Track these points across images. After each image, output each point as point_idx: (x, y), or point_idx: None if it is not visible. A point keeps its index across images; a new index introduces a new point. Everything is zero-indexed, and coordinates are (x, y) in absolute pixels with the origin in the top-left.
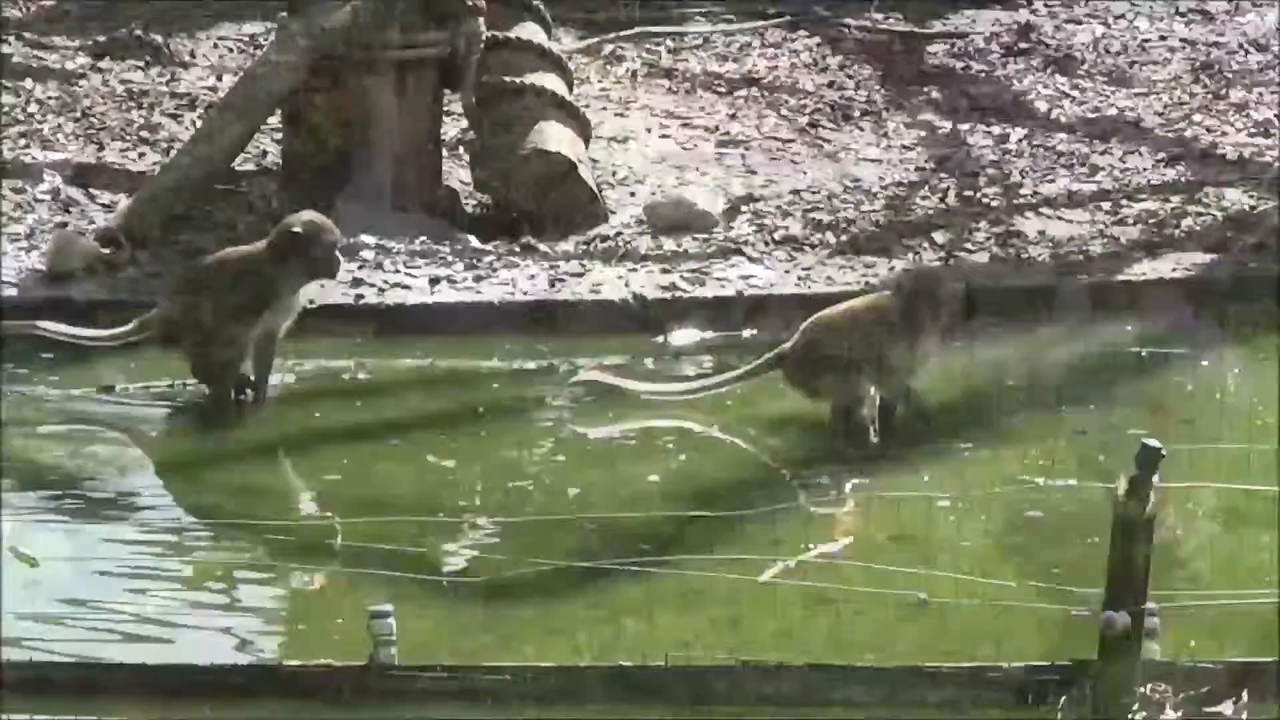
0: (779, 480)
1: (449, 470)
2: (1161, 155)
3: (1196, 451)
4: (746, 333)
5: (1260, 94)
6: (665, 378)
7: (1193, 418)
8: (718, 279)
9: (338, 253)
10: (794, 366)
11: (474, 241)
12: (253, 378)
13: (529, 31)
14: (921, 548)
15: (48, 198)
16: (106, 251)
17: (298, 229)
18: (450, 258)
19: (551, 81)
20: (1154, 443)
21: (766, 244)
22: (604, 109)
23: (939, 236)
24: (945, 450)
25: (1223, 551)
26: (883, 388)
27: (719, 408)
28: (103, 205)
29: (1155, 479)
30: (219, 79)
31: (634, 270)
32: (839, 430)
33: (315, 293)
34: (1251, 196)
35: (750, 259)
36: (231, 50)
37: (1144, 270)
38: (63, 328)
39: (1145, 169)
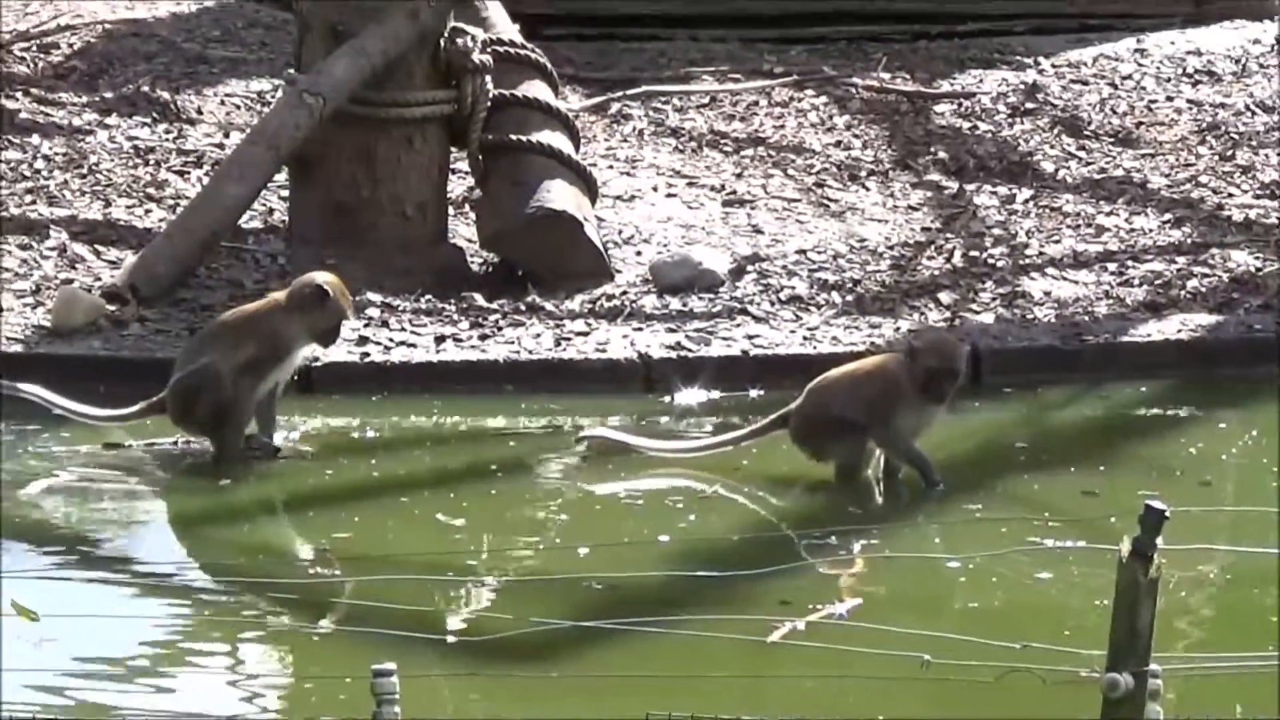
0: (787, 541)
1: (457, 529)
2: (1167, 216)
3: (1213, 513)
4: (753, 392)
5: (1267, 156)
6: (673, 436)
7: (1210, 479)
8: (723, 338)
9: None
10: (799, 428)
11: (479, 300)
12: (259, 434)
13: (536, 90)
14: (929, 609)
15: (54, 253)
16: (112, 308)
17: (324, 286)
18: (456, 316)
19: (558, 140)
20: (1158, 504)
21: (772, 303)
22: (610, 167)
23: (945, 296)
24: (954, 511)
25: (1234, 612)
26: (886, 450)
27: (727, 468)
28: (109, 261)
29: (1159, 541)
30: (226, 136)
31: (640, 329)
32: (843, 490)
33: (321, 350)
34: (1257, 258)
35: (756, 318)
36: (239, 107)
37: (1149, 331)
38: (67, 402)
39: (1151, 230)
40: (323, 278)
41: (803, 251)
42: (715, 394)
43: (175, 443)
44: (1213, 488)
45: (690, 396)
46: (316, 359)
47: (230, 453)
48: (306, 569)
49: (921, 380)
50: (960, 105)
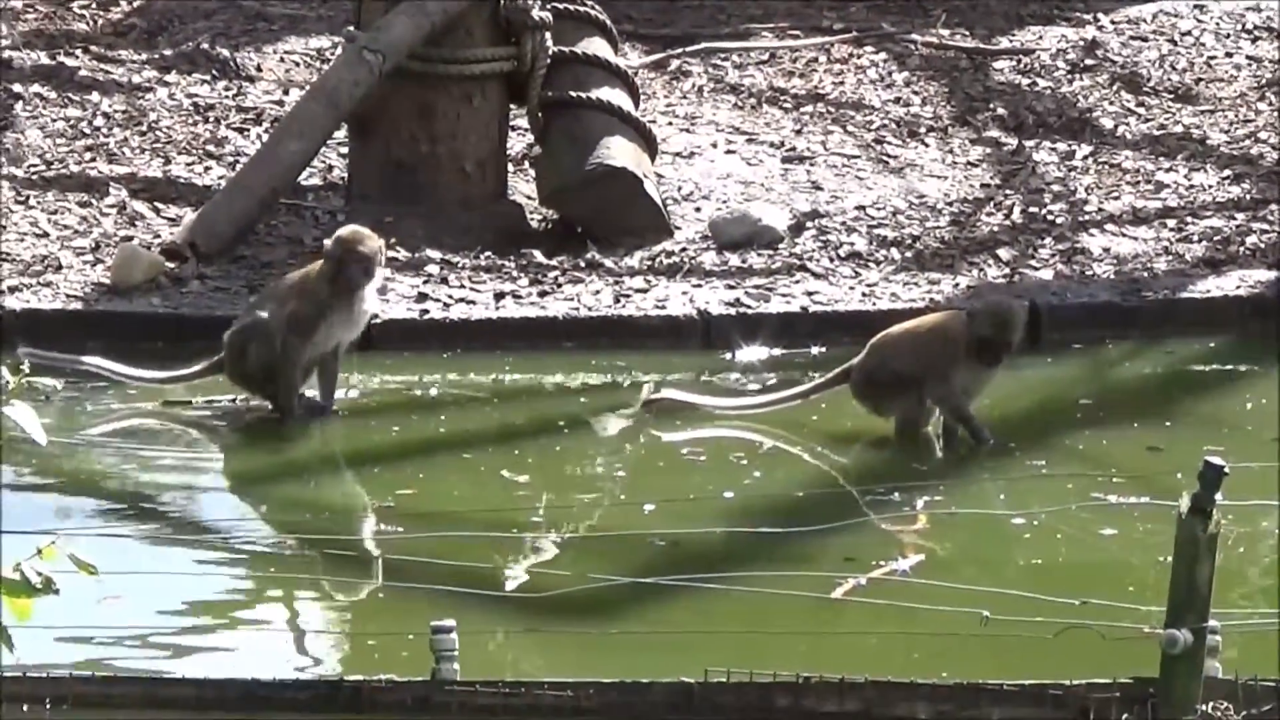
0: (850, 497)
1: (521, 485)
2: (1227, 173)
3: (1275, 469)
4: (814, 349)
5: None
6: (736, 393)
7: (1276, 436)
8: (782, 295)
9: (374, 265)
10: (859, 383)
11: (539, 256)
12: (318, 393)
13: (595, 46)
14: (991, 565)
15: (114, 211)
16: (171, 265)
17: (336, 237)
18: (515, 273)
19: (618, 96)
20: (1217, 460)
21: (831, 260)
22: (670, 124)
23: (1004, 253)
24: (1018, 468)
25: None
26: (940, 406)
27: (792, 423)
28: (168, 219)
29: (1218, 497)
30: (285, 93)
31: (699, 286)
32: (903, 446)
33: (380, 307)
34: None
35: (815, 275)
36: (298, 64)
37: (1208, 287)
38: (128, 369)
39: (1210, 186)
40: (343, 230)
41: (862, 208)
42: (776, 351)
43: (234, 400)
44: (1275, 443)
45: (750, 353)
46: (375, 316)
47: (286, 409)
48: (370, 526)
49: (976, 345)
50: (1019, 62)
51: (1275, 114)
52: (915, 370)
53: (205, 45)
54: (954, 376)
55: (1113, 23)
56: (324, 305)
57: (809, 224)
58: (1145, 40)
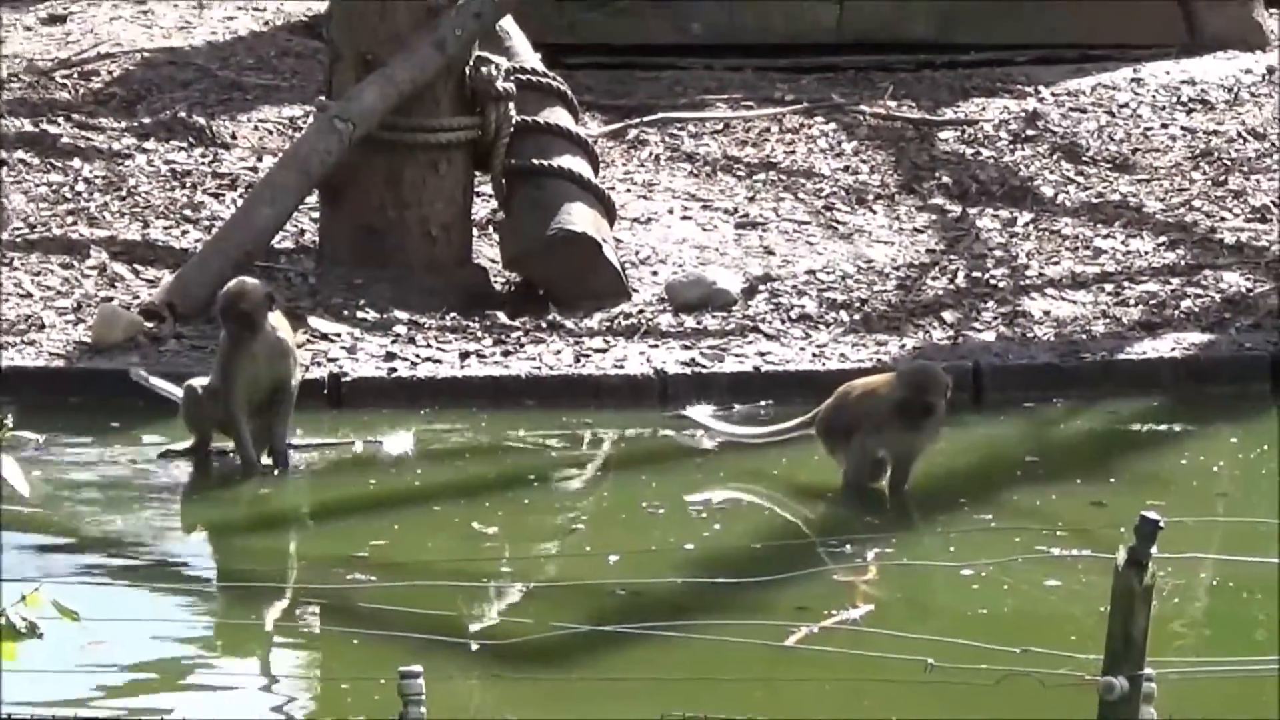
0: (806, 549)
1: (489, 537)
2: (1162, 239)
3: (1211, 524)
4: (764, 407)
5: (1258, 181)
6: (738, 424)
7: (1232, 491)
8: (736, 355)
9: (255, 317)
10: (820, 427)
11: (502, 318)
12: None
13: (557, 116)
14: (939, 615)
15: (94, 272)
16: (150, 325)
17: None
18: (480, 333)
19: (578, 164)
20: (1153, 515)
21: (783, 322)
22: (628, 191)
23: (948, 316)
24: (967, 521)
25: (1228, 619)
26: (892, 460)
27: (754, 476)
28: (147, 280)
29: (1154, 550)
30: (259, 160)
31: (655, 346)
32: (845, 494)
33: (349, 366)
34: (1248, 279)
35: (768, 336)
36: (271, 132)
37: (1144, 349)
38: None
39: (1146, 252)
40: (228, 285)
41: (812, 272)
42: (736, 407)
43: (224, 452)
44: (1213, 499)
45: (703, 411)
46: (347, 375)
47: (244, 458)
48: (343, 575)
49: (900, 405)
50: (963, 132)
51: (1209, 183)
52: (852, 423)
53: (183, 114)
54: (870, 435)
55: (1053, 95)
56: (228, 354)
57: (761, 287)
58: (1084, 112)
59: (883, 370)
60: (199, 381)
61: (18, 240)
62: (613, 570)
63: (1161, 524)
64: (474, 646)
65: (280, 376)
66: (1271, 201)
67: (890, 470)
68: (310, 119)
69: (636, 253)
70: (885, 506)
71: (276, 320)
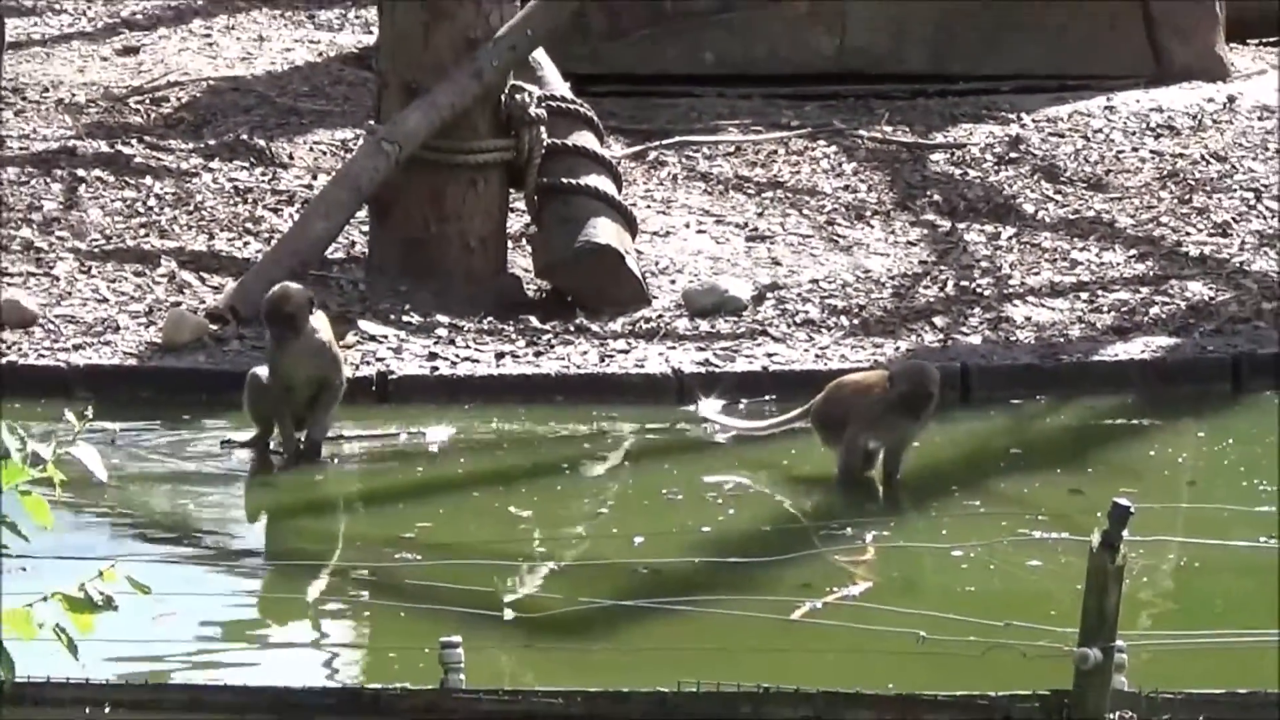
0: (810, 532)
1: (524, 520)
2: (1133, 252)
3: (1179, 509)
4: (770, 402)
5: (1220, 199)
6: (746, 418)
7: (1194, 481)
8: (746, 356)
9: (296, 320)
10: (815, 419)
11: (534, 321)
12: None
13: (584, 139)
14: (931, 592)
15: (164, 280)
16: (215, 327)
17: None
18: (513, 335)
19: (603, 183)
20: (1124, 502)
21: (788, 326)
22: (648, 207)
23: (939, 321)
24: (957, 507)
25: (1191, 595)
26: (885, 450)
27: (764, 466)
28: (212, 287)
29: (1125, 533)
30: (314, 178)
31: (673, 348)
32: (840, 482)
33: (396, 365)
34: (1211, 289)
35: (774, 339)
36: (325, 153)
37: (1116, 352)
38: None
39: (1118, 263)
40: (270, 291)
41: (815, 281)
42: (742, 403)
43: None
44: (1179, 488)
45: (715, 406)
46: (393, 372)
47: (285, 449)
48: (391, 554)
49: (898, 399)
50: (952, 154)
51: (1175, 201)
52: (844, 417)
53: (244, 136)
54: (861, 429)
55: (1034, 121)
56: (273, 354)
57: (769, 295)
58: (1062, 136)
59: (875, 369)
60: (263, 370)
61: (95, 251)
62: (635, 551)
63: (1132, 510)
64: (509, 618)
65: (321, 375)
66: (1232, 218)
67: (884, 460)
68: (360, 141)
69: (656, 263)
70: (881, 494)
71: (318, 322)
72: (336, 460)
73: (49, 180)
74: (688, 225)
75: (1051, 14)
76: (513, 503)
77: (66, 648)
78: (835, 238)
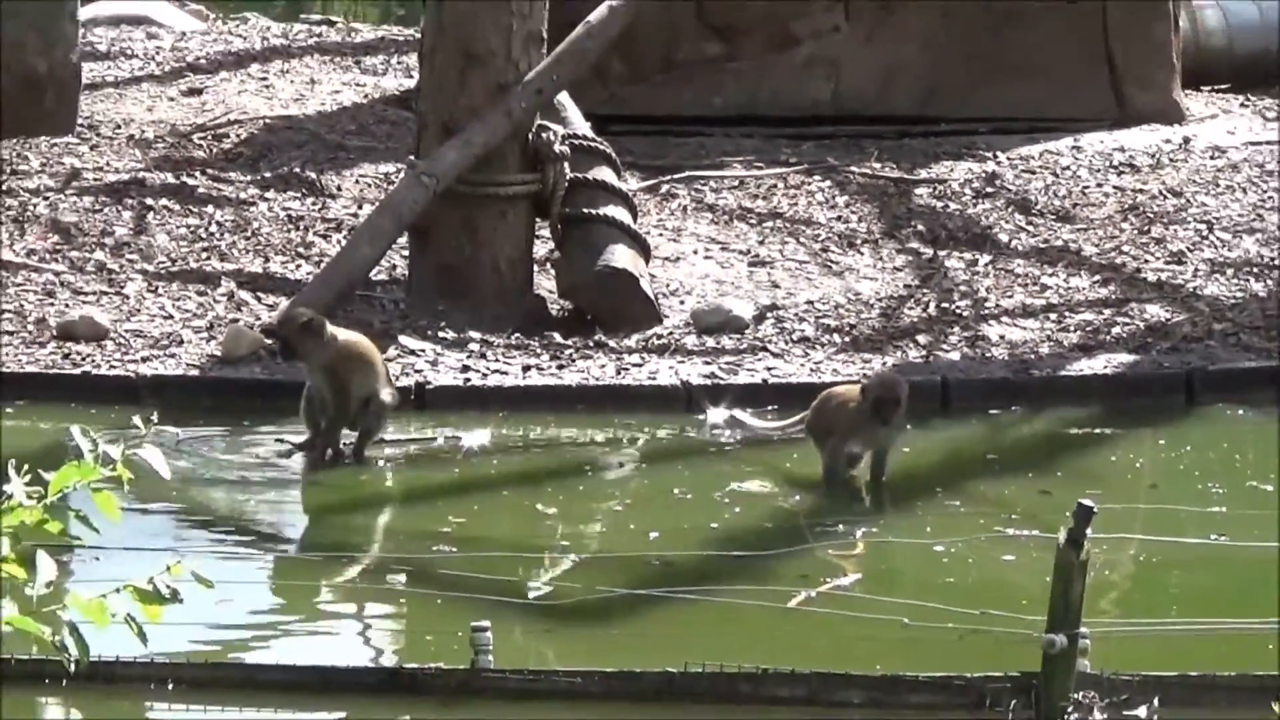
0: (808, 528)
1: (549, 516)
2: (1097, 277)
3: (1138, 509)
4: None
5: (1175, 230)
6: (763, 419)
7: (1156, 483)
8: (748, 370)
9: (292, 341)
10: (807, 427)
11: (557, 338)
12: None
13: (603, 174)
14: (914, 583)
15: (224, 298)
16: (270, 342)
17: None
18: (539, 350)
19: (620, 213)
20: (1088, 502)
21: (786, 343)
22: (661, 235)
23: (921, 339)
24: (938, 507)
25: (1149, 587)
26: (871, 454)
27: (766, 469)
28: (267, 305)
29: (1089, 531)
30: (359, 208)
31: (682, 362)
32: (826, 484)
33: (432, 376)
34: (1167, 311)
35: (774, 354)
36: (370, 185)
37: (1082, 367)
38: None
39: (1084, 288)
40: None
41: (810, 302)
42: (749, 410)
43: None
44: (1138, 491)
45: (720, 414)
46: (429, 382)
47: (318, 450)
48: (428, 547)
49: (872, 405)
50: (935, 189)
51: (1135, 232)
52: (829, 426)
53: (297, 169)
54: (839, 436)
55: (1008, 159)
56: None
57: (769, 315)
58: (1034, 173)
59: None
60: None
61: (162, 272)
62: (649, 544)
63: (1095, 510)
64: (533, 605)
65: (343, 389)
66: (1186, 248)
67: (870, 464)
68: (401, 175)
69: (667, 285)
70: (870, 495)
71: (349, 343)
72: (380, 462)
73: (120, 208)
74: (696, 251)
75: (1025, 64)
76: (539, 500)
77: (136, 635)
78: (829, 263)
